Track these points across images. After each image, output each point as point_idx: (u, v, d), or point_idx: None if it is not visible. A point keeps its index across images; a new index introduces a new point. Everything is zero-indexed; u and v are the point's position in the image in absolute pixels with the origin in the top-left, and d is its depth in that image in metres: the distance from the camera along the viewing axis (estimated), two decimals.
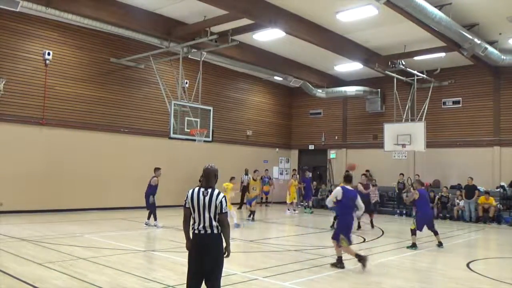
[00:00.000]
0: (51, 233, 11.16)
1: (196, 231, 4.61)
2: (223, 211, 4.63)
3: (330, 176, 23.97)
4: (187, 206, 4.70)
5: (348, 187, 8.32)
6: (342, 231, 8.16)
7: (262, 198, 22.48)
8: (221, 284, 4.65)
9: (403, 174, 19.36)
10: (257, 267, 8.01)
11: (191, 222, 4.72)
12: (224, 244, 4.68)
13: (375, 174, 21.71)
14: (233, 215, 13.24)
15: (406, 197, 13.18)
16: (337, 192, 8.22)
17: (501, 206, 17.15)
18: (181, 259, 8.69)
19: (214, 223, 4.60)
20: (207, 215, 4.58)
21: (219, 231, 4.64)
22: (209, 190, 4.67)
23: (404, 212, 19.00)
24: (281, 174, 25.20)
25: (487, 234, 14.55)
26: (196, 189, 4.71)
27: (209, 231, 4.58)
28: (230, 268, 7.73)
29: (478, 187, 17.60)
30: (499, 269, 8.99)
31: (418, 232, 10.67)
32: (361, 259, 7.92)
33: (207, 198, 4.61)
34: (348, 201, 8.20)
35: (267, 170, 22.85)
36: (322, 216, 18.94)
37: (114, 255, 8.74)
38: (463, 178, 18.31)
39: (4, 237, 10.26)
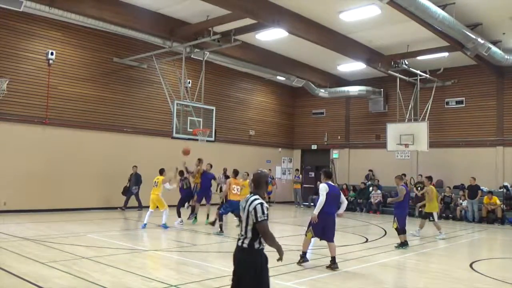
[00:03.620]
0: (54, 233, 11.19)
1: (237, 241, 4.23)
2: (259, 220, 4.03)
3: (333, 176, 23.92)
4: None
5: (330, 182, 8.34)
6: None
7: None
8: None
9: (405, 175, 19.18)
10: None
11: None
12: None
13: (377, 174, 21.71)
14: (165, 214, 12.64)
15: (391, 197, 13.03)
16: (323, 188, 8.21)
17: (504, 206, 17.10)
18: (184, 259, 8.72)
19: (249, 235, 4.09)
20: (243, 224, 4.17)
21: (254, 246, 4.09)
22: (249, 196, 4.26)
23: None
24: (284, 174, 25.20)
25: (490, 234, 14.50)
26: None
27: (240, 243, 4.14)
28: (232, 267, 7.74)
29: (481, 187, 17.55)
30: (502, 270, 8.95)
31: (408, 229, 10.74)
32: (303, 257, 8.28)
33: (246, 205, 4.16)
34: (330, 197, 8.11)
35: (270, 170, 22.90)
36: None
37: (117, 255, 8.75)
38: (466, 178, 18.24)
39: (7, 236, 10.29)
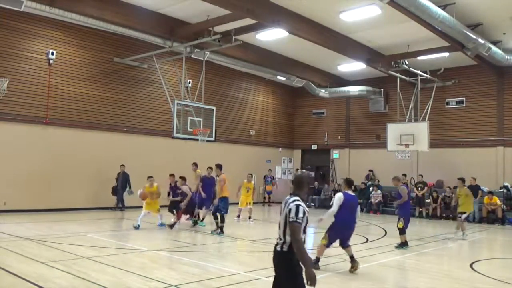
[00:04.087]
0: (54, 232, 11.19)
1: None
2: (290, 220, 3.90)
3: (333, 176, 23.94)
4: None
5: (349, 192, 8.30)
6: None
7: (265, 198, 22.68)
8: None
9: (405, 175, 19.20)
10: (260, 266, 7.99)
11: None
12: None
13: (378, 174, 21.70)
14: (159, 217, 12.99)
15: (392, 197, 12.80)
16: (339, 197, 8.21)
17: (504, 206, 17.10)
18: (184, 259, 8.71)
19: (285, 238, 3.98)
20: (281, 228, 4.04)
21: (289, 249, 3.96)
22: (288, 197, 4.14)
23: None
24: (284, 174, 25.20)
25: (491, 234, 14.51)
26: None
27: (278, 248, 4.04)
28: (234, 267, 7.75)
29: (482, 187, 17.54)
30: (503, 270, 8.95)
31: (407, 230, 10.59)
32: (315, 264, 7.92)
33: (285, 207, 4.05)
34: (347, 205, 8.10)
35: (270, 170, 22.91)
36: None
37: (117, 254, 8.77)
38: (466, 178, 18.10)
39: (7, 236, 10.30)
